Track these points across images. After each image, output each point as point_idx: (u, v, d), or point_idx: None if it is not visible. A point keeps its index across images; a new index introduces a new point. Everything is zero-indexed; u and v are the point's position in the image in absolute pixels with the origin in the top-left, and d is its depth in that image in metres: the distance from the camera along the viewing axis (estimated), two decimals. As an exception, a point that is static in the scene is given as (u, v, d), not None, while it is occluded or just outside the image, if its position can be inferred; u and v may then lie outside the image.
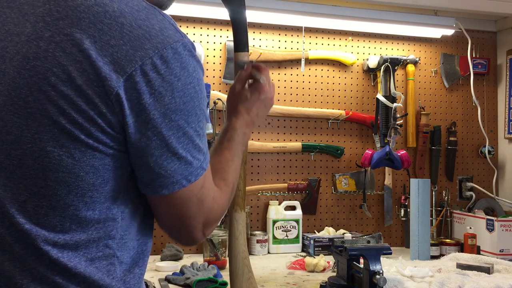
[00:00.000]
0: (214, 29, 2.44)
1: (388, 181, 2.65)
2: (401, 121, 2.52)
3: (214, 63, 2.43)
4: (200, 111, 0.85)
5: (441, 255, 2.30)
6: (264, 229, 2.45)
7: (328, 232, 2.44)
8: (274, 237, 2.41)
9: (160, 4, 0.99)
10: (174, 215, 0.88)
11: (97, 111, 0.77)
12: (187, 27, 2.40)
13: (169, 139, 0.81)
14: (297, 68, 2.54)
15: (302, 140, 2.55)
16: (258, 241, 2.36)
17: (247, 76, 1.22)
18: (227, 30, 2.44)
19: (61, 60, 0.77)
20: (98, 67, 0.76)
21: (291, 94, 2.55)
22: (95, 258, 0.82)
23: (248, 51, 1.36)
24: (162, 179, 0.83)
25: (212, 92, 2.38)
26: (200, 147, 0.86)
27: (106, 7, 0.78)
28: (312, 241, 2.35)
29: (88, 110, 0.77)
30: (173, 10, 2.30)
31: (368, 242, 2.29)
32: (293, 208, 2.48)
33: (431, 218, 2.45)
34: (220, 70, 2.44)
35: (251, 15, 2.20)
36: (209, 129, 2.36)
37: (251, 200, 2.47)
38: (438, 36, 2.71)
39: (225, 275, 1.70)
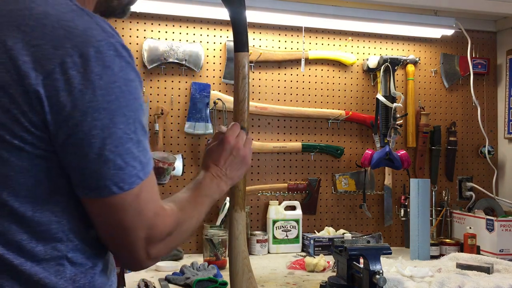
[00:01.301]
0: (214, 29, 2.44)
1: (388, 181, 2.65)
2: (401, 121, 2.53)
3: (214, 63, 2.43)
4: (130, 113, 0.83)
5: (441, 255, 2.31)
6: (264, 229, 2.45)
7: (328, 232, 2.44)
8: (274, 237, 2.41)
9: (110, 10, 1.00)
10: (109, 223, 0.85)
11: (20, 110, 0.78)
12: (187, 27, 2.40)
13: (92, 138, 0.79)
14: (297, 68, 2.54)
15: (302, 140, 2.55)
16: (258, 241, 2.36)
17: (218, 133, 1.24)
18: (227, 30, 2.44)
19: None
20: (19, 66, 0.78)
21: (291, 94, 2.55)
22: (42, 259, 0.82)
23: (248, 51, 1.36)
24: (88, 181, 0.82)
25: (212, 92, 2.39)
26: (134, 154, 0.83)
27: (32, 11, 0.81)
28: (312, 241, 2.35)
29: (12, 110, 0.78)
30: (173, 10, 2.32)
31: (368, 242, 2.29)
32: (293, 208, 2.48)
33: (431, 218, 2.45)
34: (220, 70, 2.44)
35: (251, 15, 2.20)
36: (209, 129, 2.37)
37: (251, 200, 2.47)
38: (438, 36, 2.71)
39: (225, 275, 1.70)
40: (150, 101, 2.34)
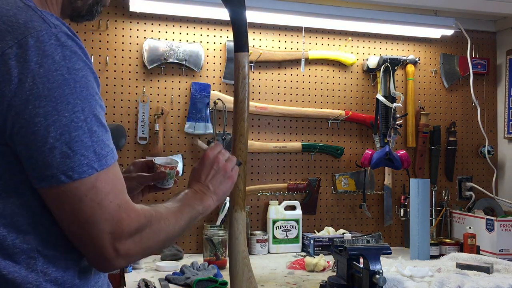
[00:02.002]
0: (214, 29, 2.44)
1: (388, 181, 2.66)
2: (401, 121, 2.53)
3: (214, 63, 2.44)
4: (77, 101, 0.82)
5: (441, 255, 2.31)
6: (264, 229, 2.45)
7: (328, 232, 2.44)
8: (274, 237, 2.41)
9: (77, 12, 1.01)
10: (68, 216, 0.84)
11: None
12: (187, 27, 2.40)
13: (35, 126, 0.80)
14: (297, 68, 2.54)
15: (302, 140, 2.55)
16: (258, 241, 2.36)
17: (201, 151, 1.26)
18: (227, 30, 2.44)
19: None
20: None
21: (291, 94, 2.55)
22: (12, 253, 0.83)
23: (248, 51, 1.36)
24: (37, 170, 0.82)
25: (212, 92, 2.39)
26: (84, 143, 0.82)
27: None
28: (312, 241, 2.36)
29: None
30: (173, 10, 2.32)
31: (368, 242, 2.31)
32: (293, 208, 2.48)
33: (430, 218, 2.45)
34: (220, 70, 2.44)
35: (251, 15, 2.20)
36: (209, 129, 2.37)
37: (251, 200, 2.47)
38: (438, 36, 2.71)
39: (225, 275, 1.70)
40: (150, 101, 2.34)
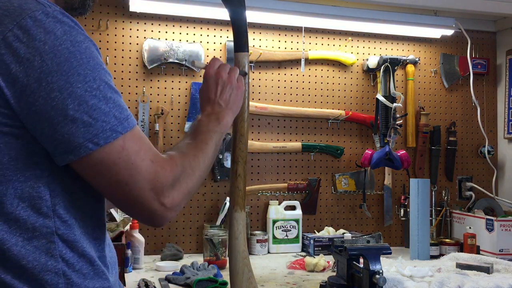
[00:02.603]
0: (214, 29, 2.44)
1: (388, 181, 2.66)
2: (401, 121, 2.53)
3: (214, 63, 2.43)
4: (87, 71, 0.84)
5: (441, 255, 2.31)
6: (264, 229, 2.45)
7: (328, 232, 2.44)
8: (274, 237, 2.41)
9: (69, 5, 1.02)
10: (106, 182, 0.86)
11: None
12: (187, 27, 2.40)
13: (52, 102, 0.81)
14: (297, 68, 2.54)
15: (302, 140, 2.55)
16: (258, 241, 2.36)
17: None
18: (227, 30, 2.45)
19: None
20: None
21: (291, 94, 2.55)
22: (33, 237, 0.84)
23: (248, 51, 1.36)
24: (63, 145, 0.83)
25: (212, 92, 2.38)
26: (103, 109, 0.84)
27: None
28: (312, 241, 2.36)
29: None
30: (173, 10, 2.32)
31: (368, 242, 2.31)
32: (293, 208, 2.48)
33: (430, 218, 2.45)
34: (220, 70, 2.44)
35: (251, 15, 2.20)
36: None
37: (251, 200, 2.47)
38: (438, 36, 2.71)
39: (225, 275, 1.70)
40: (150, 101, 2.34)
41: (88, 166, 0.85)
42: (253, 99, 2.46)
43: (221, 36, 2.45)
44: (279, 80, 2.53)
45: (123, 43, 2.32)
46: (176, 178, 0.91)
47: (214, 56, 1.23)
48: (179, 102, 2.38)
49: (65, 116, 0.82)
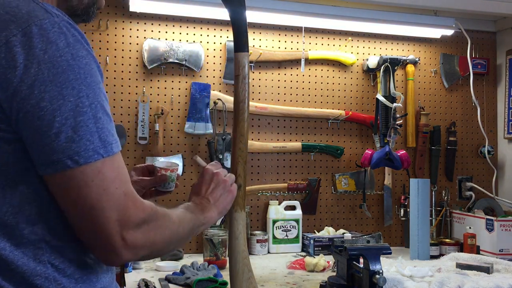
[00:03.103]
0: (214, 29, 2.44)
1: (388, 181, 2.66)
2: (401, 121, 2.53)
3: (214, 63, 2.44)
4: (82, 87, 0.83)
5: (441, 255, 2.31)
6: (264, 229, 2.45)
7: (328, 232, 2.44)
8: (274, 237, 2.41)
9: (72, 11, 1.01)
10: (74, 202, 0.83)
11: None
12: (187, 27, 2.40)
13: (41, 111, 0.80)
14: (297, 68, 2.54)
15: (302, 140, 2.55)
16: (258, 241, 2.36)
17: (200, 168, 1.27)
18: (227, 30, 2.44)
19: None
20: None
21: (291, 94, 2.55)
22: (21, 243, 0.84)
23: (248, 51, 1.36)
24: (43, 156, 0.82)
25: (212, 92, 2.39)
26: (90, 128, 0.83)
27: None
28: (312, 241, 2.36)
29: None
30: (173, 10, 2.33)
31: (368, 242, 2.31)
32: (293, 208, 2.48)
33: (430, 218, 2.45)
34: (220, 70, 2.44)
35: (251, 15, 2.20)
36: (209, 129, 2.37)
37: (251, 200, 2.47)
38: (438, 36, 2.71)
39: (225, 275, 1.70)
40: (150, 101, 2.34)
41: (61, 182, 0.83)
42: (253, 99, 2.46)
43: (221, 36, 2.45)
44: (279, 80, 2.53)
45: (123, 43, 2.32)
46: (146, 221, 0.88)
47: (217, 162, 1.28)
48: (179, 102, 2.38)
49: (50, 128, 0.81)
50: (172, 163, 1.38)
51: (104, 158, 0.84)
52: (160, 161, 1.38)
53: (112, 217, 0.84)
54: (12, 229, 0.84)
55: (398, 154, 2.49)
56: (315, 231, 2.51)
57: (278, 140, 2.53)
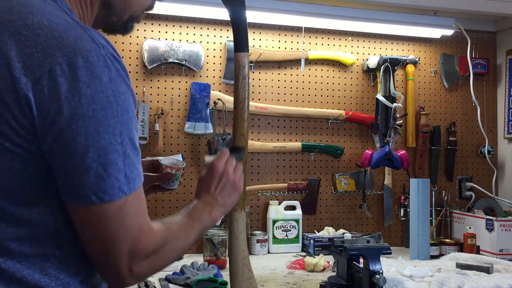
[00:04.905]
0: (214, 29, 2.44)
1: (387, 181, 2.66)
2: (401, 121, 2.53)
3: (214, 63, 2.44)
4: (117, 124, 0.84)
5: (441, 255, 2.31)
6: (264, 229, 2.45)
7: (328, 232, 2.44)
8: (274, 237, 2.41)
9: (110, 26, 1.03)
10: (92, 233, 0.86)
11: (12, 114, 0.81)
12: (187, 27, 2.40)
13: (75, 145, 0.81)
14: (297, 68, 2.54)
15: (302, 140, 2.55)
16: (258, 241, 2.36)
17: (209, 164, 1.25)
18: (227, 30, 2.44)
19: None
20: (12, 72, 0.80)
21: (291, 94, 2.55)
22: (30, 255, 0.84)
23: (248, 51, 1.36)
24: (69, 188, 0.83)
25: (212, 92, 2.39)
26: (118, 166, 0.84)
27: (26, 21, 0.83)
28: (312, 241, 2.36)
29: (5, 114, 0.81)
30: (173, 10, 2.32)
31: (368, 242, 2.31)
32: (293, 208, 2.48)
33: (430, 218, 2.45)
34: (220, 70, 2.44)
35: (251, 15, 2.20)
36: (209, 129, 2.37)
37: (251, 200, 2.47)
38: (438, 36, 2.71)
39: (225, 275, 1.70)
40: (150, 101, 2.34)
41: (82, 214, 0.85)
42: (253, 99, 2.46)
43: (221, 36, 2.45)
44: (279, 80, 2.53)
45: (123, 43, 2.32)
46: (154, 252, 0.91)
47: (224, 149, 1.26)
48: (179, 102, 2.38)
49: (81, 163, 0.81)
50: (178, 161, 1.38)
51: (126, 196, 0.86)
52: (166, 158, 1.38)
53: (124, 251, 0.86)
54: (23, 243, 0.84)
55: (398, 154, 2.49)
56: (315, 231, 2.51)
57: (278, 140, 2.53)
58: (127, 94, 0.87)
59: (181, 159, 2.34)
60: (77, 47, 0.82)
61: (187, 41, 2.39)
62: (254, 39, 2.48)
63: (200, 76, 2.41)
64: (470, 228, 2.36)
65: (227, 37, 2.45)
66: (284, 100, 2.54)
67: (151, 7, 1.11)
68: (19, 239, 0.84)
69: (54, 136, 0.81)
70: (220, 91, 2.42)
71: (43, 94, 0.80)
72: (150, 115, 2.32)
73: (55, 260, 0.86)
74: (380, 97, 2.54)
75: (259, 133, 2.50)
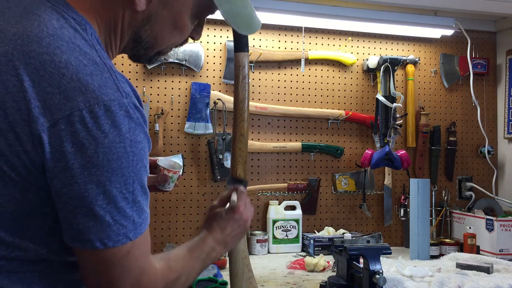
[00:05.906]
0: (214, 29, 2.44)
1: (387, 181, 2.66)
2: (401, 121, 2.53)
3: (214, 63, 2.44)
4: (130, 174, 0.83)
5: (441, 255, 2.31)
6: (264, 229, 2.45)
7: (328, 232, 2.44)
8: (274, 237, 2.41)
9: (136, 57, 1.01)
10: (95, 274, 0.86)
11: (23, 148, 0.79)
12: (187, 27, 2.40)
13: (85, 192, 0.80)
14: (297, 68, 2.54)
15: (302, 140, 2.55)
16: (258, 241, 2.36)
17: (227, 197, 1.24)
18: (227, 30, 2.44)
19: (1, 96, 0.80)
20: (30, 109, 0.78)
21: (291, 94, 2.55)
22: (20, 271, 0.84)
23: (248, 51, 1.36)
24: (74, 231, 0.83)
25: (212, 92, 2.39)
26: (127, 213, 0.84)
27: (54, 57, 0.80)
28: (312, 241, 2.36)
29: (16, 146, 0.79)
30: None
31: (368, 242, 2.31)
32: (293, 208, 2.48)
33: (430, 218, 2.45)
34: (220, 70, 2.44)
35: (251, 15, 2.20)
36: (209, 129, 2.37)
37: (251, 200, 2.47)
38: (438, 36, 2.71)
39: (225, 275, 1.70)
40: (150, 101, 2.34)
41: (86, 257, 0.84)
42: (253, 99, 2.46)
43: (221, 36, 2.45)
44: (279, 80, 2.53)
45: (123, 43, 2.31)
46: None
47: (241, 188, 1.25)
48: (179, 102, 2.38)
49: (89, 209, 0.81)
50: (175, 163, 1.38)
51: (132, 241, 0.85)
52: (163, 159, 1.38)
53: None
54: (13, 260, 0.84)
55: (398, 154, 2.50)
56: (315, 231, 2.51)
57: (278, 140, 2.53)
58: (144, 142, 0.86)
59: (181, 160, 2.34)
60: (100, 94, 0.80)
61: (187, 41, 2.39)
62: (254, 39, 2.48)
63: (200, 76, 2.41)
64: (470, 228, 2.36)
65: (227, 37, 2.45)
66: (284, 100, 2.54)
67: (180, 45, 1.09)
68: (10, 259, 0.83)
69: (65, 180, 0.80)
70: (220, 91, 2.42)
71: (59, 137, 0.79)
72: (150, 115, 2.32)
73: (43, 277, 0.86)
74: (380, 97, 2.54)
75: (259, 133, 2.50)
